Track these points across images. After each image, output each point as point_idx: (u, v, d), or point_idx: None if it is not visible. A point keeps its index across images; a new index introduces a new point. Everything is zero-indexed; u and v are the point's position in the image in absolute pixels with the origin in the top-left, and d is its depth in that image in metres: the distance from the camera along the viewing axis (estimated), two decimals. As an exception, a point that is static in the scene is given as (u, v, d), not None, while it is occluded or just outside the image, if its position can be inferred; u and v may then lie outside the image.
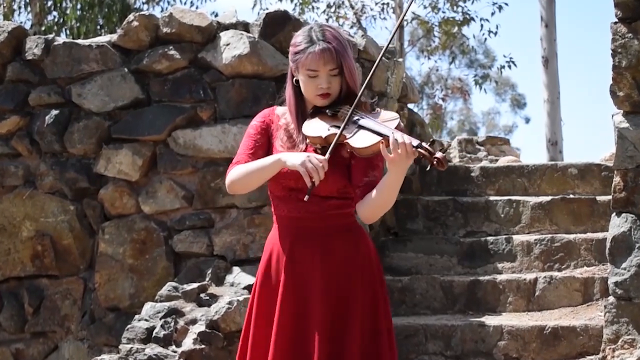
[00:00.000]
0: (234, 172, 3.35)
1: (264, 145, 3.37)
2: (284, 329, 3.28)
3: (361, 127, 3.21)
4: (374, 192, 3.19)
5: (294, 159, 3.19)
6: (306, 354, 3.26)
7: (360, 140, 3.19)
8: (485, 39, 19.13)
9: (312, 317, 3.27)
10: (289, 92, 3.37)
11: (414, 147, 3.07)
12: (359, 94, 3.26)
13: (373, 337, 3.30)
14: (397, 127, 3.19)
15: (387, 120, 3.24)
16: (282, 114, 3.42)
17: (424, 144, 3.09)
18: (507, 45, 60.80)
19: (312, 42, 3.26)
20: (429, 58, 24.20)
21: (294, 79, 3.34)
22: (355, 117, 3.23)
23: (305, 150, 3.29)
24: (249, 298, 5.05)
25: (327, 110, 3.29)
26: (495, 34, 18.82)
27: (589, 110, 58.97)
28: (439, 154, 3.06)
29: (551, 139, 13.55)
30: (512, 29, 57.71)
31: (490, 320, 5.26)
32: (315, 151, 3.26)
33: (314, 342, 3.24)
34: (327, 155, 3.19)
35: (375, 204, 3.20)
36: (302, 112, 3.35)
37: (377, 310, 3.32)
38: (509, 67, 18.66)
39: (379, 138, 3.16)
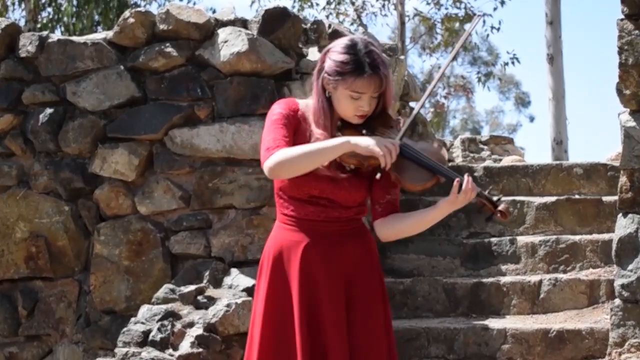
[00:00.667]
0: (281, 154, 3.19)
1: (291, 136, 3.29)
2: (301, 327, 3.27)
3: (408, 159, 3.22)
4: (407, 222, 3.28)
5: (367, 141, 3.18)
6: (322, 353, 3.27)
7: (410, 175, 3.21)
8: (488, 35, 19.07)
9: (321, 316, 3.27)
10: (320, 104, 3.28)
11: (477, 194, 3.15)
12: (406, 125, 3.27)
13: (373, 339, 3.32)
14: (442, 161, 3.23)
15: (434, 153, 3.24)
16: (307, 113, 3.33)
17: (485, 192, 3.16)
18: (511, 43, 60.84)
19: (360, 67, 3.20)
20: (431, 55, 24.27)
21: (326, 92, 3.27)
22: (401, 147, 3.23)
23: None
24: (247, 300, 5.01)
25: (364, 130, 3.27)
26: (498, 29, 18.81)
27: (595, 109, 59.09)
28: (502, 206, 3.13)
29: (556, 138, 13.51)
30: (515, 27, 57.80)
31: (494, 323, 5.21)
32: (343, 168, 3.27)
33: (327, 339, 3.26)
34: (397, 140, 3.21)
35: (404, 232, 3.31)
36: (333, 125, 3.30)
37: (378, 312, 3.35)
38: (513, 63, 18.67)
39: (430, 175, 3.20)
